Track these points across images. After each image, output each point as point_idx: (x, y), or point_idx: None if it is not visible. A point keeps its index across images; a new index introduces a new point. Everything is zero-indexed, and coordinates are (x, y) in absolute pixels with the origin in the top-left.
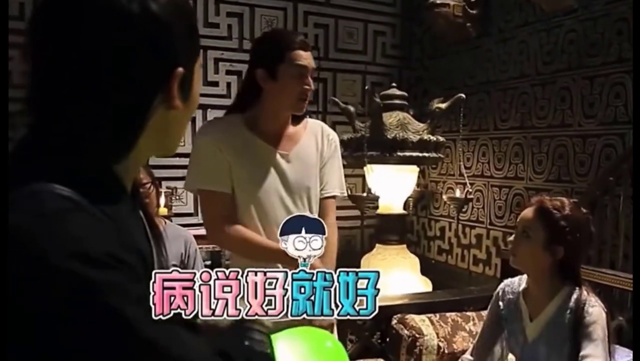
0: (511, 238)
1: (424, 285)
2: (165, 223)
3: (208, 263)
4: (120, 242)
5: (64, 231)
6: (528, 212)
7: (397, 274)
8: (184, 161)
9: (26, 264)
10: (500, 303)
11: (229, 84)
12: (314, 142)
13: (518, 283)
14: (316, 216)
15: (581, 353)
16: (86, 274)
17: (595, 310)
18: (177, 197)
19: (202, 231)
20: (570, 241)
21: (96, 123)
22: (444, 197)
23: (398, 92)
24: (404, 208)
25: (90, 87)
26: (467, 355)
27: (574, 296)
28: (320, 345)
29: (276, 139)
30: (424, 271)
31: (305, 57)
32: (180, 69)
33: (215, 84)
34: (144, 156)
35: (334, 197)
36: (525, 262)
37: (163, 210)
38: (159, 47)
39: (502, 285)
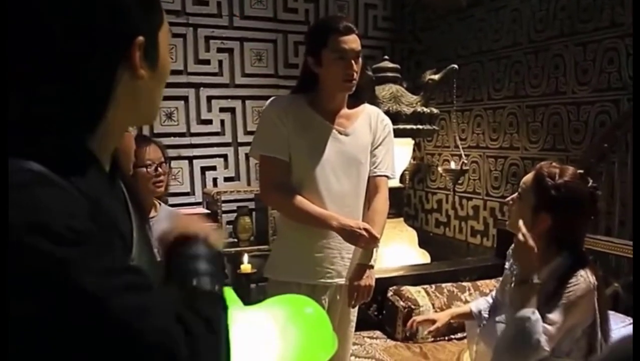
0: (509, 198)
1: (422, 258)
2: (160, 205)
3: None
4: (89, 215)
5: (27, 204)
6: (528, 176)
7: (395, 248)
8: (179, 141)
9: (5, 225)
10: (507, 263)
11: (220, 62)
12: (367, 124)
13: None
14: (364, 191)
15: (546, 314)
16: (46, 247)
17: (579, 281)
18: (173, 176)
19: (197, 210)
20: (558, 210)
21: (61, 96)
22: (440, 169)
23: (390, 65)
24: (400, 182)
25: (51, 60)
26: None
27: (563, 269)
28: (300, 311)
29: (333, 117)
30: (423, 244)
31: (346, 41)
32: (141, 38)
33: (206, 62)
34: (118, 128)
35: (386, 176)
36: (515, 224)
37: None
38: (116, 16)
39: (512, 246)
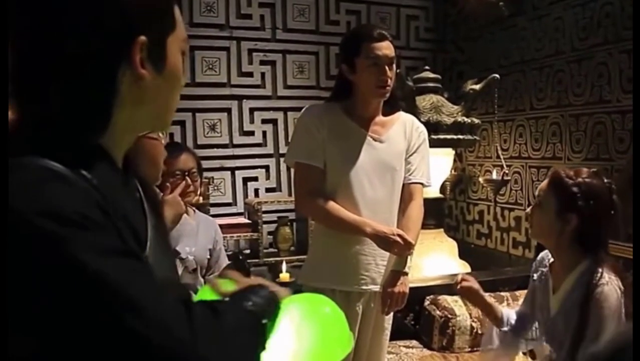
0: (528, 209)
1: (462, 269)
2: (195, 212)
3: (247, 251)
4: (100, 207)
5: (39, 195)
6: (544, 183)
7: (435, 259)
8: (222, 152)
9: (5, 224)
10: (535, 275)
11: (263, 74)
12: (402, 132)
13: (549, 256)
14: (399, 198)
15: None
16: (53, 229)
17: (606, 289)
18: (215, 187)
19: (239, 220)
20: (583, 208)
21: (67, 96)
22: (481, 179)
23: (431, 75)
24: (441, 192)
25: (55, 60)
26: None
27: (589, 271)
28: (317, 310)
29: (368, 124)
30: (464, 256)
31: (379, 48)
32: (143, 38)
33: (249, 74)
34: (129, 129)
35: (421, 183)
36: (541, 232)
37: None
38: (117, 16)
39: (539, 256)
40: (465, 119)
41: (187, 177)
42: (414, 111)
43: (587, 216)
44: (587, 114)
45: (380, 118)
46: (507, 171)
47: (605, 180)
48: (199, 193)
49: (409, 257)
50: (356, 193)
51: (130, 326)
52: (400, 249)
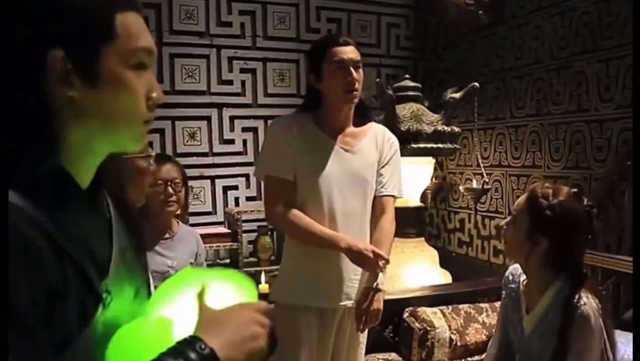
0: (503, 222)
1: (443, 278)
2: (178, 223)
3: (227, 260)
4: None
5: None
6: (521, 198)
7: (416, 268)
8: (201, 160)
9: (5, 224)
10: (504, 292)
11: (243, 82)
12: (374, 143)
13: (520, 272)
14: (370, 210)
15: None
16: None
17: (585, 310)
18: (195, 196)
19: (219, 229)
20: (554, 232)
21: (10, 115)
22: (461, 188)
23: (411, 84)
24: (422, 201)
25: None
26: (491, 349)
27: (565, 292)
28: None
29: (339, 135)
30: (445, 264)
31: (343, 51)
32: (58, 52)
33: (229, 82)
34: (88, 149)
35: (392, 196)
36: (512, 249)
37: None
38: (29, 28)
39: (507, 272)
40: (446, 128)
41: (170, 187)
42: (394, 120)
43: (558, 240)
44: (566, 122)
45: (351, 129)
46: (487, 180)
47: (585, 202)
48: (182, 203)
49: (381, 273)
50: (328, 206)
51: None
52: (374, 265)
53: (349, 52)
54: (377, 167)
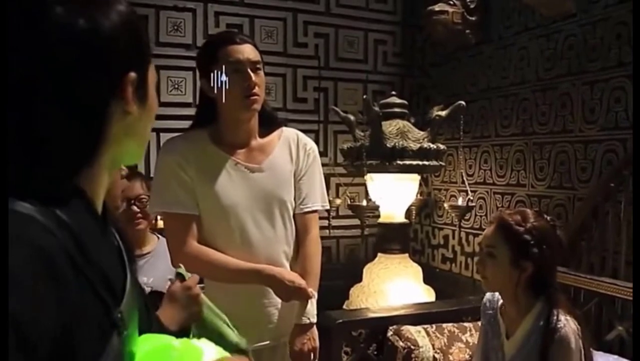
0: (477, 259)
1: (427, 294)
2: (159, 238)
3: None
4: (67, 255)
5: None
6: (489, 230)
7: (400, 284)
8: None
9: (5, 224)
10: (483, 319)
11: None
12: (287, 153)
13: (497, 298)
14: (293, 232)
15: None
16: None
17: (563, 332)
18: None
19: None
20: (537, 254)
21: (56, 132)
22: (445, 205)
23: (398, 101)
24: (407, 217)
25: (46, 95)
26: None
27: (545, 314)
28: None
29: (243, 152)
30: (429, 280)
31: (239, 51)
32: (133, 74)
33: None
34: (110, 165)
35: (315, 211)
36: (497, 283)
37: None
38: (111, 51)
39: (484, 299)
40: (432, 145)
41: (135, 205)
42: (380, 136)
43: (542, 261)
44: (550, 142)
45: (257, 142)
46: (471, 197)
47: (548, 218)
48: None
49: (310, 303)
50: (240, 236)
51: None
52: (302, 297)
53: (247, 51)
54: (295, 181)
